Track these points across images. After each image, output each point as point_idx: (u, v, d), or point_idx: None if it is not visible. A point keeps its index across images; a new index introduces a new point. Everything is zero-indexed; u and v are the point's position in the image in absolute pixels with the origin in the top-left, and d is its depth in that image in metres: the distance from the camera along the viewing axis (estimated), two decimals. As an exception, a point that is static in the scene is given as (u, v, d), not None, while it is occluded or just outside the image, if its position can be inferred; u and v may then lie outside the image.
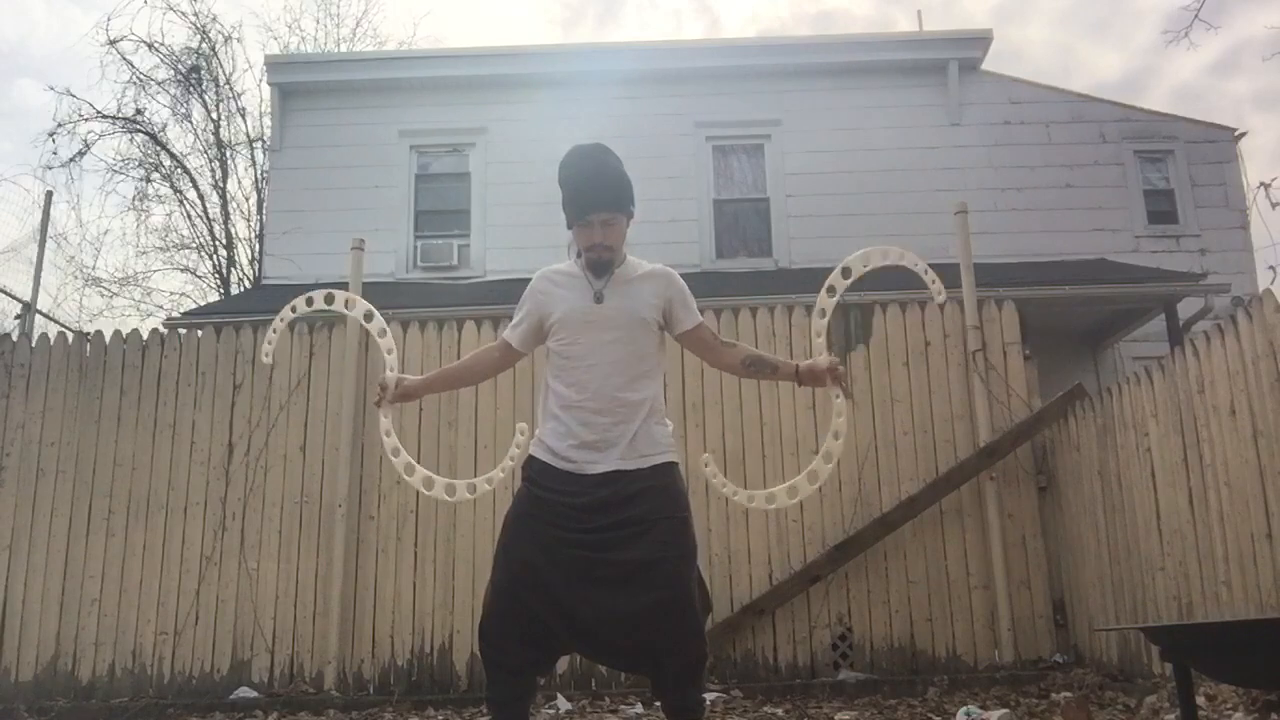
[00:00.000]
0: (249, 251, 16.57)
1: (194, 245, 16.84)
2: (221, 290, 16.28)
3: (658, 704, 2.91)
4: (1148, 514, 4.93)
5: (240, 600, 5.99)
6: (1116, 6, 34.55)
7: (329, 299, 3.41)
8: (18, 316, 8.17)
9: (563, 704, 5.43)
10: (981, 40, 11.81)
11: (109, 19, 30.13)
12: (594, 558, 2.66)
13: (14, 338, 6.67)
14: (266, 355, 3.59)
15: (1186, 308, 9.25)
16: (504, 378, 6.23)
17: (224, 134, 16.93)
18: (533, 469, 2.83)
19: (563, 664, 5.78)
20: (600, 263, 2.87)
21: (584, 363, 2.80)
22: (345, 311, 3.43)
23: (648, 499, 2.71)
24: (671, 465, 2.82)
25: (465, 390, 6.24)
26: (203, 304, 14.85)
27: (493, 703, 2.77)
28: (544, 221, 11.50)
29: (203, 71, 16.92)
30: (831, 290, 3.19)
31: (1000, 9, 37.11)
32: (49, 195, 8.68)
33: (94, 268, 16.70)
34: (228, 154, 16.93)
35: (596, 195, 2.84)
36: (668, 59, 11.85)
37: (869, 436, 6.14)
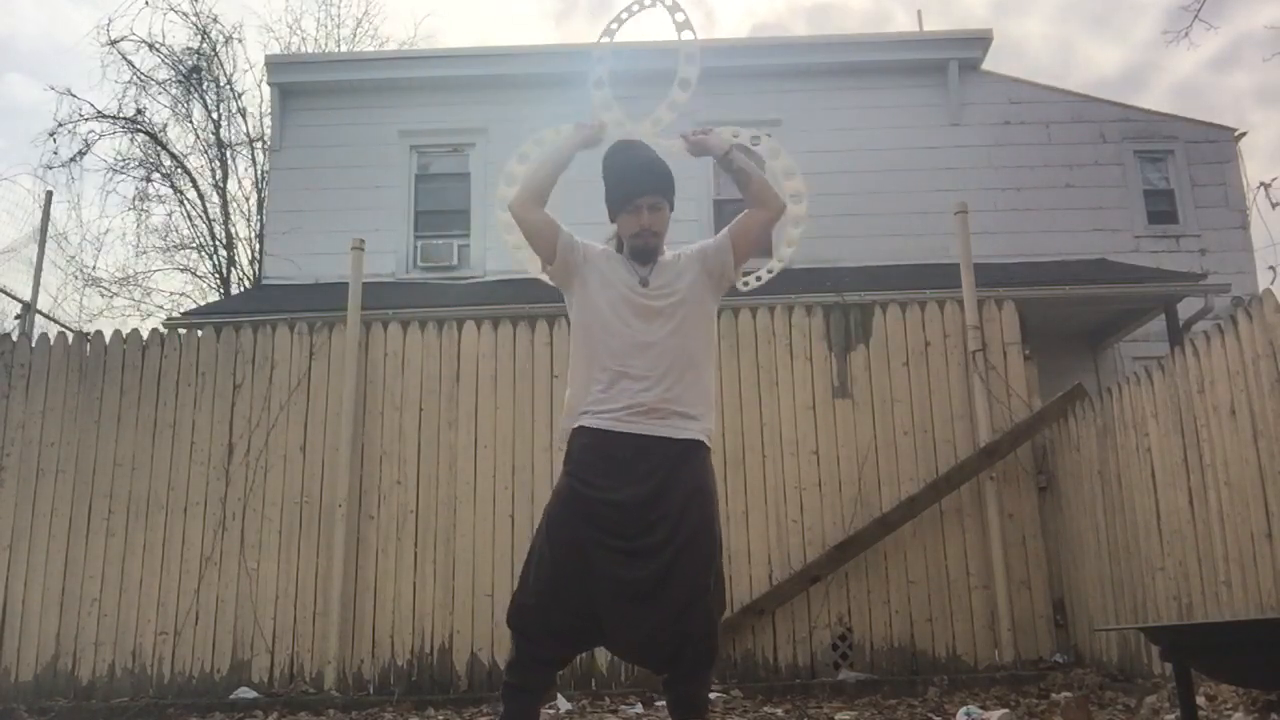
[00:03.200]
0: (249, 251, 16.59)
1: (194, 245, 16.87)
2: (221, 290, 16.29)
3: (659, 703, 2.92)
4: (1148, 514, 4.93)
5: (240, 600, 5.99)
6: (1116, 1, 34.56)
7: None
8: (18, 316, 8.19)
9: (563, 704, 5.42)
10: (981, 40, 11.82)
11: (110, 20, 30.15)
12: (627, 563, 2.66)
13: (14, 338, 6.67)
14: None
15: (1186, 308, 9.26)
16: (504, 380, 6.22)
17: (224, 134, 16.96)
18: (574, 448, 2.82)
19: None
20: (646, 249, 2.91)
21: (632, 344, 2.80)
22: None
23: (680, 500, 2.69)
24: (705, 452, 2.82)
25: (465, 391, 6.24)
26: (203, 304, 14.86)
27: (512, 688, 2.75)
28: (544, 221, 11.51)
29: (203, 72, 16.94)
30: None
31: (999, 3, 37.13)
32: (49, 195, 8.69)
33: (94, 268, 16.69)
34: (228, 154, 16.96)
35: (645, 179, 2.92)
36: (668, 59, 11.81)
37: (869, 436, 6.14)
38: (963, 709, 4.57)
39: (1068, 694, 4.92)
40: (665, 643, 2.67)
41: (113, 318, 16.74)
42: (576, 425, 2.82)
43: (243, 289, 15.92)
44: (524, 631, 2.73)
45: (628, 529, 2.67)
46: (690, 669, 2.71)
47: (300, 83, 12.05)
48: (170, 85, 16.91)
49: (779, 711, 5.01)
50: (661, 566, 2.64)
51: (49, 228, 8.47)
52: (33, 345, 6.47)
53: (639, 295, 2.85)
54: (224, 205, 16.73)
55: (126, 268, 18.55)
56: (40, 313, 8.23)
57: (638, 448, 2.72)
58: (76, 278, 15.62)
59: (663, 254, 2.96)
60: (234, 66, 19.75)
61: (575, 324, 2.94)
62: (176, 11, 18.40)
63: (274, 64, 12.44)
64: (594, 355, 2.83)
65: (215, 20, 19.07)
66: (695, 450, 2.78)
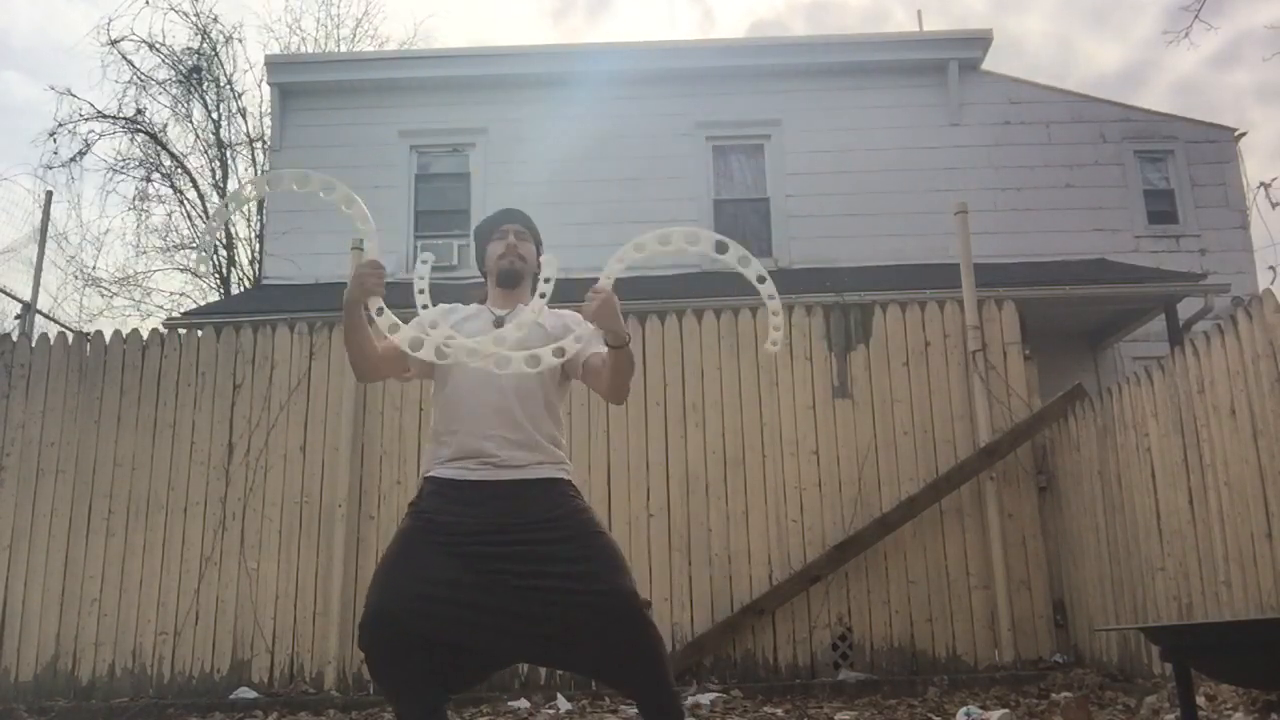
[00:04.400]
0: (249, 251, 16.59)
1: (194, 245, 16.86)
2: (221, 290, 16.28)
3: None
4: (1148, 514, 4.93)
5: (240, 600, 5.99)
6: (1116, -2, 34.55)
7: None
8: (18, 316, 8.18)
9: (563, 704, 5.42)
10: (981, 40, 11.82)
11: (109, 20, 30.14)
12: (506, 589, 2.50)
13: (14, 338, 6.67)
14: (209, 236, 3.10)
15: (1186, 308, 9.25)
16: (504, 378, 6.23)
17: (224, 134, 16.96)
18: (421, 495, 2.68)
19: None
20: (511, 271, 2.87)
21: (473, 389, 2.68)
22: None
23: (567, 523, 2.59)
24: (567, 484, 2.68)
25: (465, 390, 6.23)
26: (203, 304, 14.86)
27: None
28: (544, 221, 11.47)
29: (203, 72, 16.94)
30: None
31: (999, 0, 37.14)
32: (49, 195, 8.69)
33: (94, 268, 16.69)
34: (228, 154, 16.95)
35: (507, 214, 2.99)
36: (668, 59, 11.85)
37: (869, 436, 6.14)
38: (963, 709, 4.57)
39: (1068, 694, 4.92)
40: (602, 658, 2.54)
41: (113, 318, 16.76)
42: (426, 475, 2.70)
43: (243, 289, 15.92)
44: (376, 655, 2.51)
45: (513, 542, 2.54)
46: (650, 679, 2.55)
47: (300, 83, 12.05)
48: (170, 85, 16.92)
49: (779, 711, 5.01)
50: (563, 582, 2.49)
51: (49, 228, 8.48)
52: (33, 345, 6.47)
53: (489, 339, 2.64)
54: (224, 205, 16.71)
55: (126, 268, 18.56)
56: (40, 313, 8.23)
57: (492, 494, 2.59)
58: (76, 278, 15.65)
59: (527, 299, 2.78)
60: (234, 66, 19.76)
61: (435, 383, 2.82)
62: (177, 11, 18.43)
63: (274, 64, 12.44)
64: (443, 409, 2.74)
65: (215, 20, 19.07)
66: (554, 484, 2.65)
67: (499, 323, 2.77)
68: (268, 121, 14.58)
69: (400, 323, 2.58)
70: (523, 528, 2.56)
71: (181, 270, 17.22)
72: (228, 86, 17.07)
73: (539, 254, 2.92)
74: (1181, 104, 37.03)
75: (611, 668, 2.61)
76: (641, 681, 2.56)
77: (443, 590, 2.50)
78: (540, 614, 2.51)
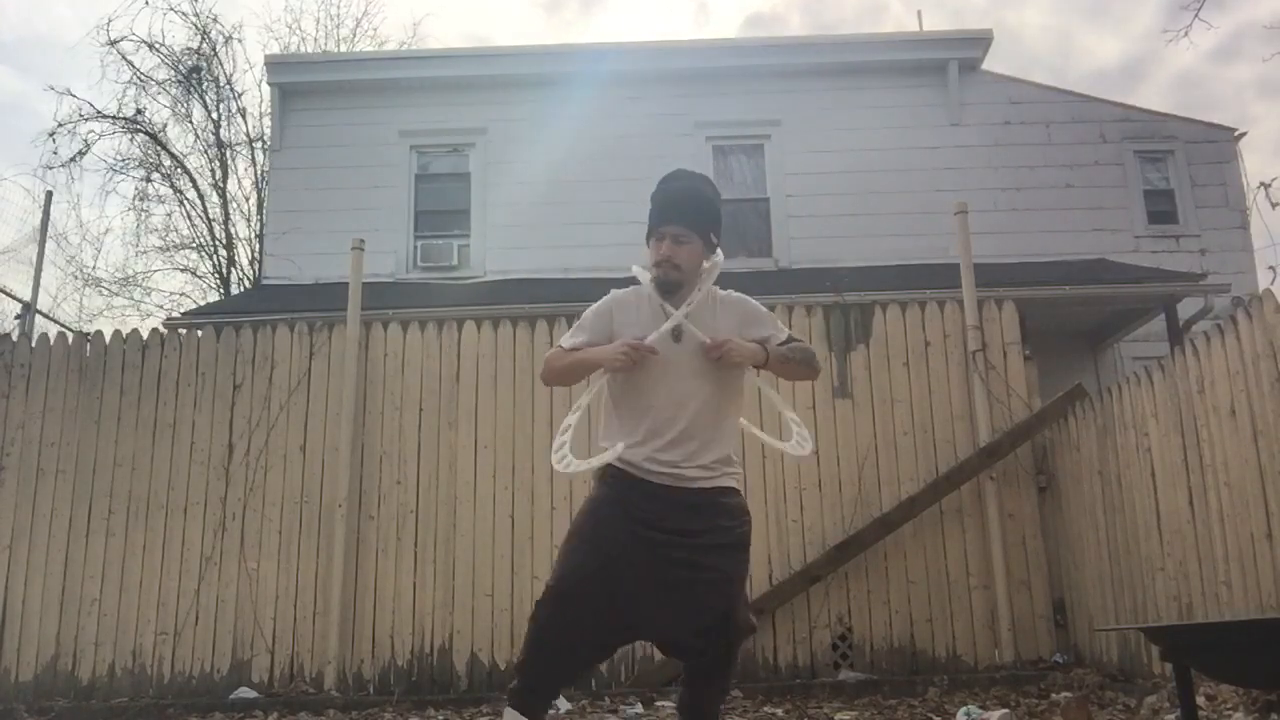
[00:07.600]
0: (249, 251, 16.60)
1: (194, 245, 16.87)
2: (221, 290, 16.29)
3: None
4: (1148, 514, 4.93)
5: (240, 600, 5.99)
6: (1115, -8, 34.53)
7: None
8: (18, 316, 8.19)
9: (563, 704, 5.42)
10: (981, 40, 11.82)
11: (109, 20, 30.08)
12: (663, 555, 2.66)
13: (14, 338, 6.67)
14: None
15: (1186, 308, 9.25)
16: (504, 380, 6.23)
17: (224, 134, 16.96)
18: (607, 474, 2.78)
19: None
20: (666, 282, 2.77)
21: (656, 398, 2.74)
22: None
23: (713, 530, 2.71)
24: (736, 495, 2.82)
25: (465, 391, 6.25)
26: (203, 304, 14.86)
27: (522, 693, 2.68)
28: (544, 221, 11.52)
29: (203, 72, 16.94)
30: None
31: (998, -5, 37.09)
32: (49, 195, 8.69)
33: (94, 268, 16.69)
34: (228, 154, 16.95)
35: (671, 210, 2.77)
36: (667, 59, 11.84)
37: (869, 436, 6.14)
38: (963, 709, 4.56)
39: (1068, 694, 4.92)
40: (694, 635, 2.68)
41: (113, 318, 16.77)
42: (608, 465, 2.77)
43: (243, 289, 15.92)
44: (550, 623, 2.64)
45: (664, 525, 2.67)
46: (710, 671, 2.72)
47: (300, 83, 12.04)
48: (170, 85, 16.93)
49: (779, 711, 5.01)
50: (694, 567, 2.65)
51: (49, 227, 8.48)
52: (33, 345, 6.47)
53: (673, 350, 2.75)
54: (224, 205, 16.73)
55: (126, 268, 18.54)
56: (40, 313, 8.24)
57: (668, 493, 2.73)
58: (76, 278, 15.66)
59: (699, 290, 2.81)
60: (234, 66, 19.76)
61: (610, 378, 2.83)
62: (176, 11, 18.43)
63: (274, 64, 12.44)
64: (625, 408, 2.79)
65: (215, 20, 19.09)
66: (727, 495, 2.77)
67: (678, 336, 2.76)
68: (268, 121, 14.58)
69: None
70: (687, 526, 2.68)
71: (181, 270, 17.22)
72: (227, 86, 17.09)
73: (710, 245, 2.84)
74: (1182, 98, 36.98)
75: (685, 655, 2.76)
76: (698, 700, 2.76)
77: (622, 568, 2.62)
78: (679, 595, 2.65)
